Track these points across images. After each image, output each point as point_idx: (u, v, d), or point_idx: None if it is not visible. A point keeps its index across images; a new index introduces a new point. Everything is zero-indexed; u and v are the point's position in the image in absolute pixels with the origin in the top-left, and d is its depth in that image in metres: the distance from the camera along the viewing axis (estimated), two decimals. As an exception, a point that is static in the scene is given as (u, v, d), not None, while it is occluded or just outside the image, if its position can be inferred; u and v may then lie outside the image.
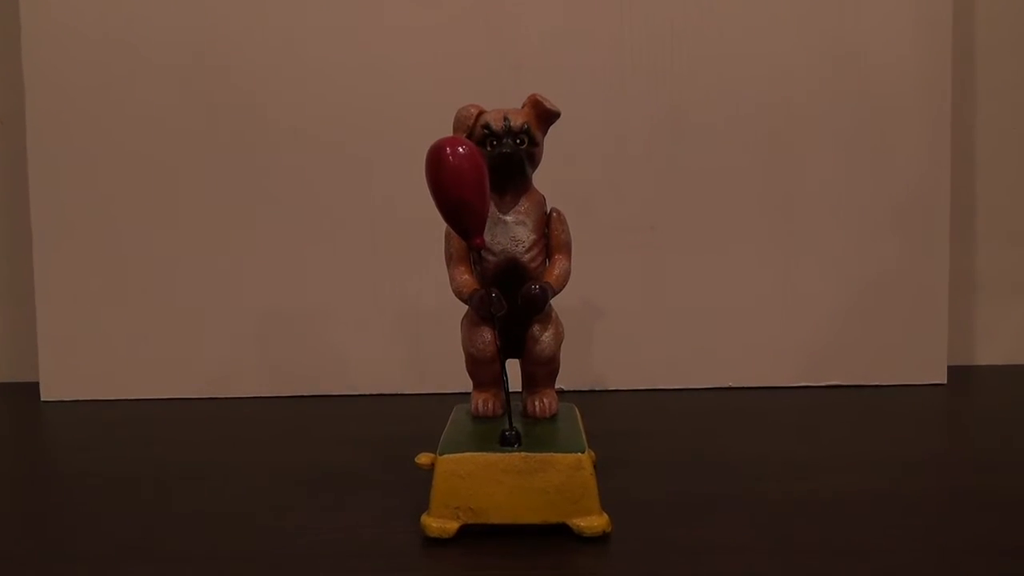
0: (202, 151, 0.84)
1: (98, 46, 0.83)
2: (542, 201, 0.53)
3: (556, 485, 0.45)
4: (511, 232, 0.51)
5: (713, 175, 0.83)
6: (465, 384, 0.55)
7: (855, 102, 0.83)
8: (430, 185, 0.45)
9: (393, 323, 0.85)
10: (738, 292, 0.84)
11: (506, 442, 0.46)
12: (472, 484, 0.45)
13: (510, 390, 0.49)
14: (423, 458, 0.48)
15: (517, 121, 0.50)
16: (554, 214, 0.52)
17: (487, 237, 0.49)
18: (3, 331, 0.94)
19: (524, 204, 0.51)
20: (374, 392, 0.85)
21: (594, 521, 0.45)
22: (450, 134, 0.49)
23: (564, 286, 0.52)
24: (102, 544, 0.47)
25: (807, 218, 0.84)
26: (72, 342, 0.85)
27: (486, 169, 0.46)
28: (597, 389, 0.85)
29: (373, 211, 0.84)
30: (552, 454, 0.45)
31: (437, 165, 0.44)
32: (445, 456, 0.46)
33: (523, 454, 0.45)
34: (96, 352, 0.85)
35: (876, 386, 0.84)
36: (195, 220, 0.84)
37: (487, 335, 0.51)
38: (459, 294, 0.52)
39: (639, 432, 0.69)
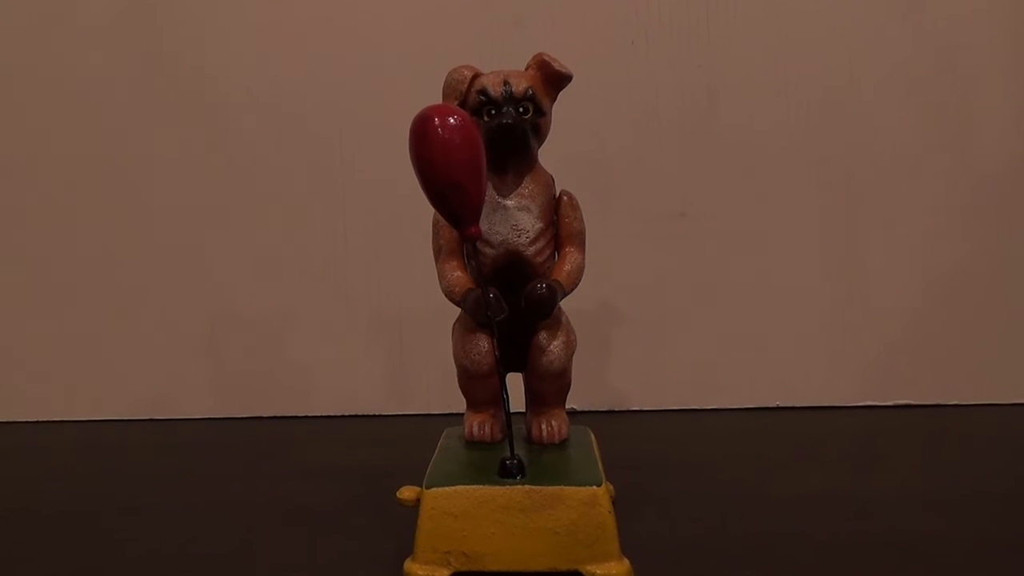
0: (134, 122, 0.84)
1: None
2: (550, 182, 0.53)
3: (567, 525, 0.45)
4: (513, 219, 0.51)
5: (755, 152, 0.84)
6: (457, 403, 0.55)
7: (928, 66, 0.83)
8: (415, 163, 0.45)
9: (369, 330, 0.85)
10: (786, 293, 0.84)
11: (507, 473, 0.46)
12: (466, 524, 0.45)
13: (511, 410, 0.50)
14: (406, 492, 0.48)
15: (520, 86, 0.50)
16: (564, 198, 0.53)
17: (484, 226, 0.49)
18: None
19: (528, 186, 0.52)
20: (346, 413, 0.85)
21: (612, 568, 0.45)
22: (439, 102, 0.49)
23: (577, 285, 0.52)
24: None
25: (870, 205, 0.84)
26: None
27: (482, 144, 0.46)
28: (616, 409, 0.85)
29: (344, 195, 0.84)
30: (562, 488, 0.46)
31: (423, 139, 0.44)
32: (433, 490, 0.46)
33: (527, 487, 0.46)
34: (9, 365, 0.85)
35: (954, 406, 0.84)
36: (128, 207, 0.85)
37: (484, 344, 0.52)
38: (450, 295, 0.52)
39: (666, 461, 0.69)
